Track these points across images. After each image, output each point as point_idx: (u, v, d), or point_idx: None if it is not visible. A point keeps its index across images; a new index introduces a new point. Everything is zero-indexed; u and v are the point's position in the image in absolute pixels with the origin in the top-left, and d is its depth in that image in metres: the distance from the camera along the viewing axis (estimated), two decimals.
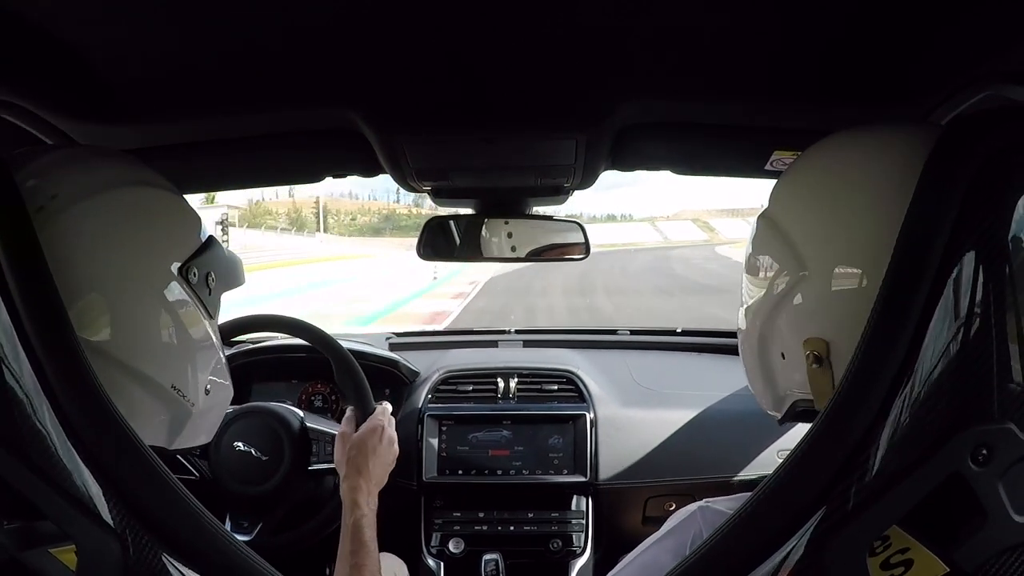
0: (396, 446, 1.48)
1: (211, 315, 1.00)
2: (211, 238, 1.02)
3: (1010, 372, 0.65)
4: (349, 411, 1.51)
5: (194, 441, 1.02)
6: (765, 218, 0.93)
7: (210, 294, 0.99)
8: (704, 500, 0.95)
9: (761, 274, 0.92)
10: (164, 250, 0.93)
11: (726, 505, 0.92)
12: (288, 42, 1.05)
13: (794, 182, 0.92)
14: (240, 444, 1.64)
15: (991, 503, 0.65)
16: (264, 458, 1.63)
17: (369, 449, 1.39)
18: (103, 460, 0.72)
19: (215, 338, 1.02)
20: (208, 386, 1.00)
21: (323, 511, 1.64)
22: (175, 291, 0.93)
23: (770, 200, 0.94)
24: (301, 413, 1.70)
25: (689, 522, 0.93)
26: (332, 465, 1.54)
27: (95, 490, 0.71)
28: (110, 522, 0.71)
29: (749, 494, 0.92)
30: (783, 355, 0.89)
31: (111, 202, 0.89)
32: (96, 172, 0.92)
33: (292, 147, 1.41)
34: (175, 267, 0.93)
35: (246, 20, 0.98)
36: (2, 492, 0.71)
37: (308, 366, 2.29)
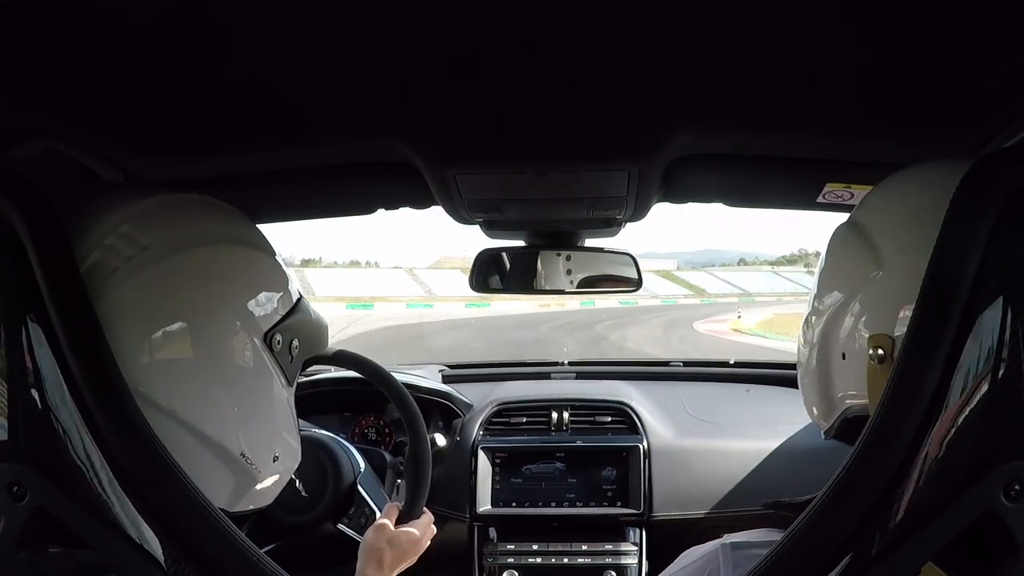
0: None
1: (290, 383, 0.97)
2: (300, 301, 1.00)
3: None
4: (392, 503, 1.44)
5: (255, 504, 0.99)
6: (848, 224, 0.94)
7: (292, 361, 0.96)
8: (725, 536, 0.94)
9: (833, 281, 0.93)
10: (251, 316, 0.90)
11: (748, 537, 0.92)
12: (344, 76, 1.06)
13: (885, 190, 0.93)
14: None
15: None
16: (304, 494, 1.59)
17: (400, 553, 1.34)
18: (156, 505, 0.74)
19: (290, 407, 0.99)
20: (277, 453, 0.96)
21: (326, 573, 1.62)
22: (256, 359, 0.90)
23: (855, 210, 0.95)
24: (361, 467, 1.66)
25: (706, 559, 0.92)
26: (358, 538, 1.51)
27: (148, 533, 0.73)
28: (160, 560, 0.73)
29: (774, 530, 0.92)
30: (844, 355, 0.88)
31: (202, 260, 0.87)
32: (192, 225, 0.89)
33: (345, 179, 1.42)
34: (260, 333, 0.90)
35: (303, 54, 1.00)
36: (55, 528, 0.74)
37: (360, 398, 2.30)
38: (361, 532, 1.50)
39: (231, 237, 0.92)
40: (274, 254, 0.98)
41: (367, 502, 1.63)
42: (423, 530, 1.41)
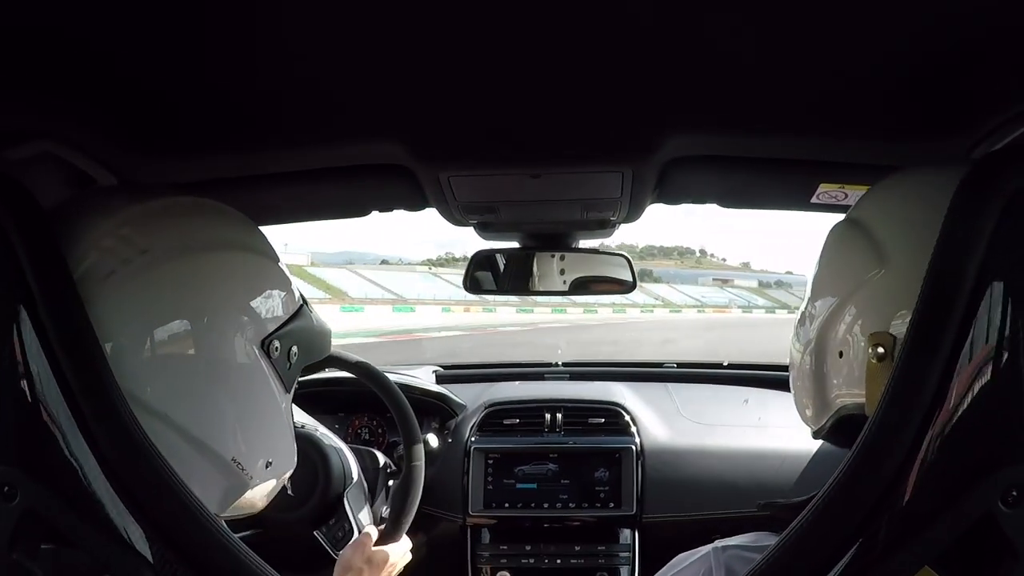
0: None
1: (287, 390, 0.97)
2: (301, 308, 1.00)
3: None
4: (375, 529, 1.46)
5: (246, 510, 0.99)
6: (847, 221, 0.93)
7: (289, 368, 0.95)
8: (718, 540, 0.94)
9: (831, 278, 0.93)
10: (248, 322, 0.89)
11: (740, 541, 0.92)
12: (338, 78, 1.06)
13: (889, 188, 0.93)
14: None
15: (1023, 545, 0.63)
16: (290, 493, 1.57)
17: (375, 573, 1.37)
18: (146, 505, 0.74)
19: (285, 413, 0.98)
20: (270, 460, 0.95)
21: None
22: (252, 365, 0.90)
23: (854, 208, 0.95)
24: (354, 476, 1.64)
25: (699, 563, 0.92)
26: (328, 549, 1.51)
27: (137, 532, 0.73)
28: (150, 559, 0.73)
29: (766, 533, 0.91)
30: (841, 354, 0.88)
31: (203, 264, 0.86)
32: (193, 229, 0.89)
33: (338, 182, 1.42)
34: (257, 339, 0.90)
35: (296, 56, 0.99)
36: (46, 529, 0.73)
37: (355, 399, 2.30)
38: (335, 545, 1.51)
39: (232, 242, 0.92)
40: (277, 259, 0.97)
41: (349, 517, 1.60)
42: (398, 556, 1.43)
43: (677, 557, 0.98)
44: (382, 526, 1.47)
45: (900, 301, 0.80)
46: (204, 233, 0.90)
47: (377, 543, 1.41)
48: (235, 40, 0.94)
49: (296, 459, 1.04)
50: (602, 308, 58.17)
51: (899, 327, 0.79)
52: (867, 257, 0.86)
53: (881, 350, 0.80)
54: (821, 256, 0.97)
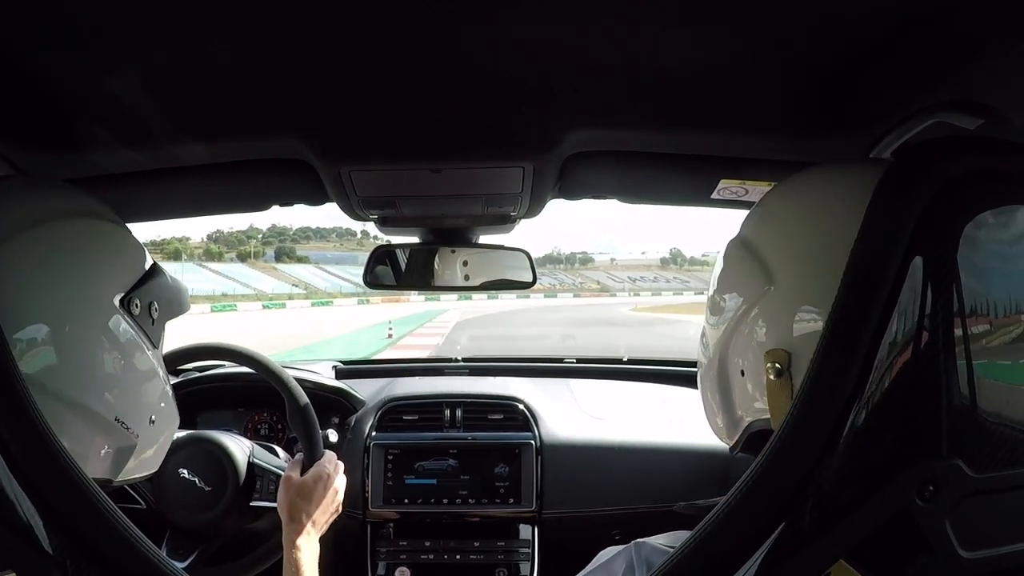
0: (341, 495, 1.49)
1: (155, 345, 0.99)
2: (155, 266, 1.01)
3: (959, 399, 0.65)
4: (297, 456, 1.51)
5: (140, 473, 1.00)
6: (736, 240, 0.94)
7: (153, 324, 0.98)
8: (639, 539, 0.94)
9: (726, 296, 0.93)
10: (104, 282, 0.91)
11: (664, 542, 0.92)
12: (235, 74, 1.04)
13: (767, 205, 0.93)
14: (185, 472, 1.60)
15: (937, 539, 0.65)
16: (207, 488, 1.59)
17: (314, 497, 1.40)
18: (43, 491, 0.70)
19: (159, 368, 1.00)
20: (153, 417, 0.98)
21: (260, 548, 1.60)
22: (116, 323, 0.91)
23: (743, 225, 0.96)
24: (249, 446, 1.67)
25: (621, 556, 0.92)
26: (274, 504, 1.52)
27: (36, 521, 0.69)
28: (50, 551, 0.69)
29: (686, 532, 0.93)
30: (743, 372, 0.89)
31: (49, 235, 0.87)
32: (33, 205, 0.89)
33: (238, 176, 1.40)
34: (116, 298, 0.92)
35: (193, 52, 0.98)
36: None
37: (254, 394, 2.26)
38: (275, 499, 1.50)
39: (78, 212, 0.93)
40: (121, 223, 0.99)
41: (269, 469, 1.64)
42: (330, 465, 1.47)
43: (602, 552, 0.98)
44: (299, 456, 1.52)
45: (792, 315, 0.80)
46: (40, 207, 0.90)
47: (302, 472, 1.45)
48: (130, 37, 0.93)
49: (179, 417, 1.07)
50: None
51: (792, 342, 0.80)
52: (755, 276, 0.86)
53: (778, 366, 0.80)
54: (717, 275, 0.98)
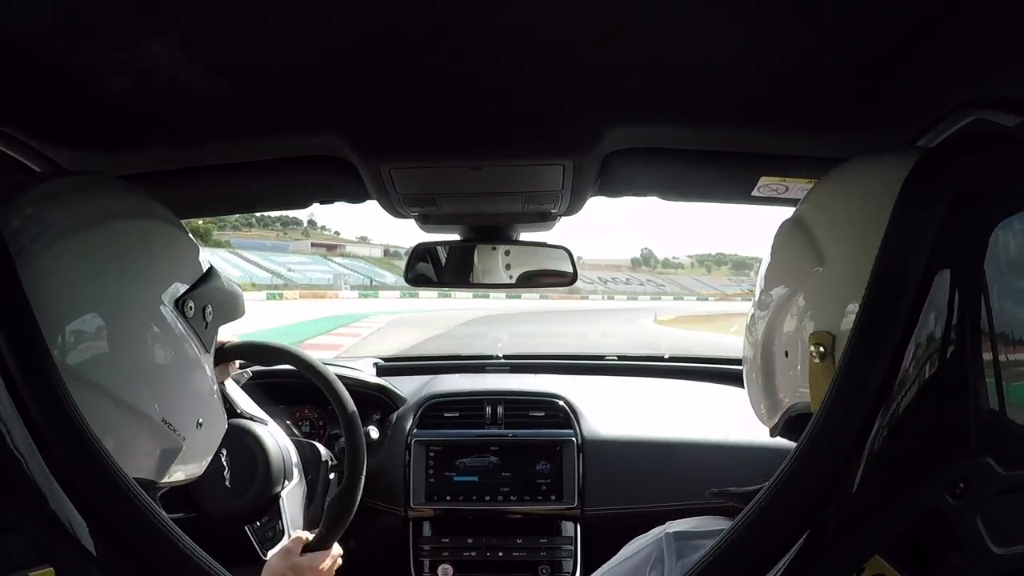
0: None
1: (207, 349, 0.99)
2: (211, 270, 1.01)
3: (987, 404, 0.65)
4: (306, 534, 1.44)
5: (184, 475, 1.00)
6: (790, 220, 0.94)
7: (206, 328, 0.98)
8: (668, 524, 0.94)
9: (776, 276, 0.93)
10: (160, 284, 0.92)
11: (692, 525, 0.92)
12: (278, 71, 1.05)
13: (826, 186, 0.93)
14: (224, 453, 1.56)
15: (968, 536, 0.65)
16: (228, 485, 1.55)
17: None
18: (82, 489, 0.71)
19: (209, 372, 1.00)
20: (200, 420, 0.98)
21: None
22: (169, 324, 0.91)
23: (800, 205, 0.95)
24: (294, 479, 1.61)
25: (651, 549, 0.92)
26: (256, 547, 1.49)
27: (76, 518, 0.70)
28: (91, 550, 0.70)
29: (718, 517, 0.92)
30: (786, 353, 0.88)
31: (110, 233, 0.88)
32: (96, 202, 0.90)
33: (280, 174, 1.41)
34: (171, 300, 0.92)
35: (237, 49, 0.99)
36: None
37: (296, 391, 2.26)
38: (263, 544, 1.48)
39: (137, 211, 0.94)
40: (180, 226, 1.00)
41: (282, 517, 1.57)
42: (327, 566, 1.41)
43: (630, 542, 0.97)
44: (315, 531, 1.45)
45: (839, 298, 0.80)
46: (107, 205, 0.91)
47: (306, 550, 1.39)
48: (170, 35, 0.94)
49: (227, 421, 1.07)
50: None
51: (838, 324, 0.79)
52: (806, 256, 0.86)
53: (822, 349, 0.80)
54: (768, 254, 0.97)
